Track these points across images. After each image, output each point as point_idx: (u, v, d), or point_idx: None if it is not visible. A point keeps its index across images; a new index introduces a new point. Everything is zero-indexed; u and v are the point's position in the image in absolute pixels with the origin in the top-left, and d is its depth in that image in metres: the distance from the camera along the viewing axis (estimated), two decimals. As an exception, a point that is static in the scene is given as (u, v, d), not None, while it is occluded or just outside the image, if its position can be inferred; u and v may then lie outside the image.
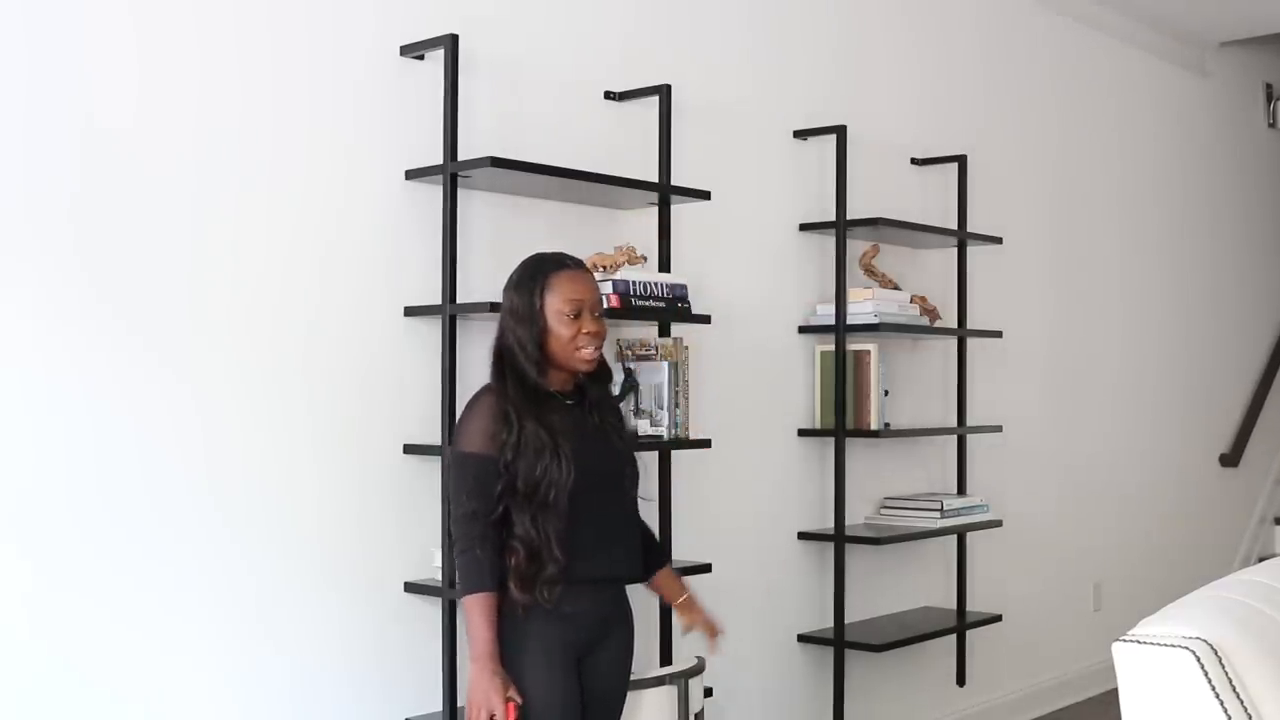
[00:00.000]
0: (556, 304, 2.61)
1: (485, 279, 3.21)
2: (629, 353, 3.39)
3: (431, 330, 3.10)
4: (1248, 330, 6.90)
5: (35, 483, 2.52)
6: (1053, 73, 5.37)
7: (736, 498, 3.90)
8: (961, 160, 4.57)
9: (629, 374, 3.33)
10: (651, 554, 2.89)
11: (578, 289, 2.64)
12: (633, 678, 2.83)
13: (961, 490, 4.59)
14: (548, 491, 2.54)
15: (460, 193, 3.11)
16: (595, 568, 2.62)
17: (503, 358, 2.64)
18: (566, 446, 2.57)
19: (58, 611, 2.54)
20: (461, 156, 3.07)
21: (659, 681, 2.87)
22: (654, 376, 3.33)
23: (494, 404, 2.60)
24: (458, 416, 2.70)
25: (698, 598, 2.94)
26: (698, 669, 2.98)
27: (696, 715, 2.97)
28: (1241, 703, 1.79)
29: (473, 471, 2.57)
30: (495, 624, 2.54)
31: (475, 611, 2.54)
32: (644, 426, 3.35)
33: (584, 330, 2.62)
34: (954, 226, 4.57)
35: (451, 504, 2.62)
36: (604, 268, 3.22)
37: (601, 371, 2.75)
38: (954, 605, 4.60)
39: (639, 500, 2.81)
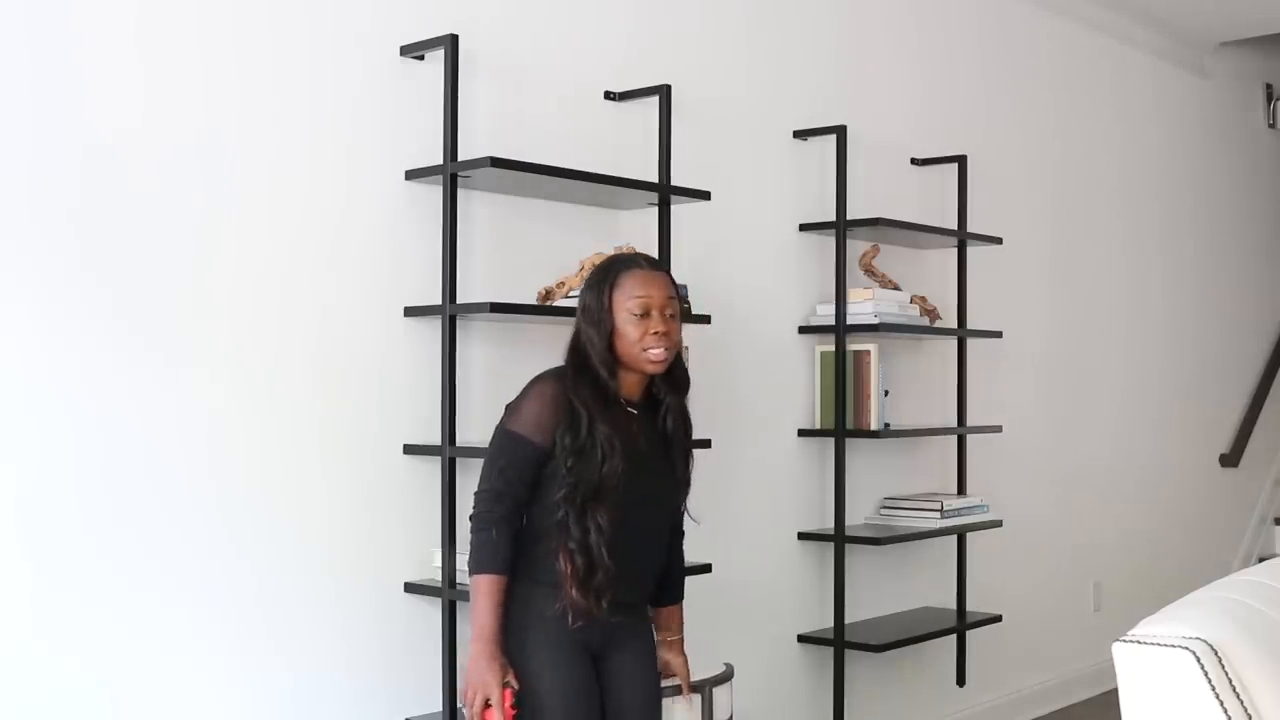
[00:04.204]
0: (624, 302, 2.58)
1: (485, 279, 3.21)
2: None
3: (431, 330, 3.10)
4: (1248, 330, 6.90)
5: (36, 485, 2.52)
6: (1053, 73, 5.37)
7: (736, 498, 3.90)
8: (961, 160, 4.57)
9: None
10: (669, 589, 2.87)
11: (646, 288, 2.60)
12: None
13: (961, 490, 4.59)
14: (606, 497, 2.52)
15: (460, 193, 3.11)
16: (617, 590, 2.58)
17: (578, 353, 2.61)
18: (620, 459, 2.54)
19: (60, 610, 2.54)
20: (461, 156, 3.07)
21: (679, 690, 2.85)
22: (654, 376, 3.32)
23: (558, 395, 2.56)
24: (519, 397, 2.62)
25: (683, 645, 2.92)
26: (725, 676, 2.96)
27: (723, 723, 2.94)
28: (1241, 703, 1.79)
29: (512, 452, 2.55)
30: (500, 607, 2.51)
31: (481, 592, 2.51)
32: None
33: (652, 330, 2.57)
34: (954, 226, 4.57)
35: (482, 477, 2.59)
36: (604, 268, 3.22)
37: (681, 378, 2.70)
38: (954, 605, 4.60)
39: (685, 522, 2.82)
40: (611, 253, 3.26)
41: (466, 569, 2.57)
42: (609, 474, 2.52)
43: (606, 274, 2.63)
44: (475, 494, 2.58)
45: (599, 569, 2.52)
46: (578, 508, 2.51)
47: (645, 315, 2.58)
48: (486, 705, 2.48)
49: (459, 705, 2.55)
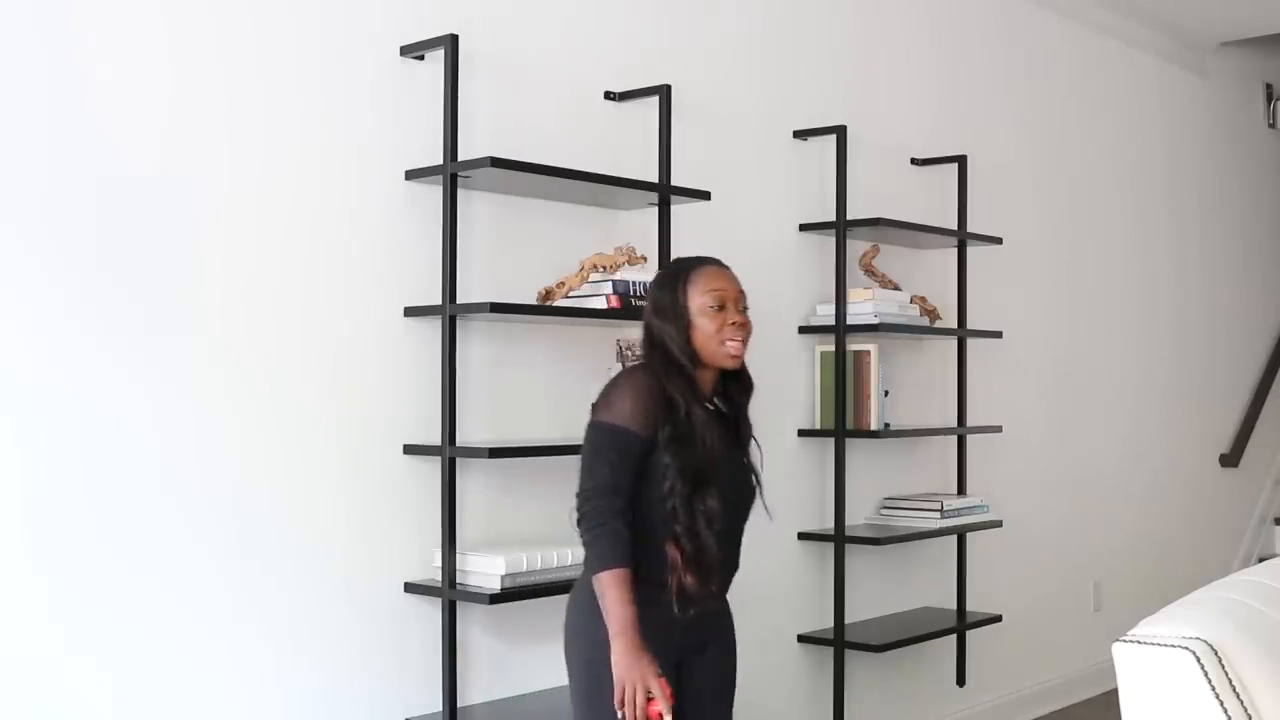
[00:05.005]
0: (699, 297, 2.58)
1: (485, 279, 3.21)
2: (629, 353, 3.39)
3: (431, 330, 3.10)
4: (1248, 330, 6.91)
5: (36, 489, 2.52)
6: (1052, 73, 5.37)
7: (736, 498, 3.89)
8: (961, 160, 4.57)
9: (629, 374, 3.32)
10: None
11: (719, 282, 2.60)
12: None
13: (961, 490, 4.59)
14: (711, 479, 2.51)
15: (460, 193, 3.11)
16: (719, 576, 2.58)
17: (659, 349, 2.59)
18: (717, 444, 2.55)
19: (60, 611, 2.54)
20: (461, 156, 3.07)
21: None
22: (654, 376, 3.31)
23: (652, 386, 2.53)
24: (607, 393, 2.56)
25: None
26: None
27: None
28: (1241, 703, 1.79)
29: (617, 445, 2.50)
30: (634, 600, 2.45)
31: (614, 587, 2.44)
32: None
33: (729, 322, 2.57)
34: (954, 226, 4.57)
35: (585, 475, 2.51)
36: (604, 268, 3.22)
37: (749, 380, 2.70)
38: (954, 605, 4.60)
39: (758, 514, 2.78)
40: (611, 253, 3.27)
41: (588, 569, 2.51)
42: (710, 457, 2.52)
43: (678, 271, 2.63)
44: (580, 494, 2.51)
45: (706, 552, 2.51)
46: (684, 496, 2.49)
47: (721, 308, 2.58)
48: (648, 698, 2.41)
49: (616, 709, 2.44)
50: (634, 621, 2.43)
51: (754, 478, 2.70)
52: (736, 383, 2.69)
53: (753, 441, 2.73)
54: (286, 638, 2.87)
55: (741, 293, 2.64)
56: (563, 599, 3.13)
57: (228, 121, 2.79)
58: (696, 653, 2.63)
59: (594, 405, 2.58)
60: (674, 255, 3.50)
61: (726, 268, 2.67)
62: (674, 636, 2.55)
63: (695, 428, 2.52)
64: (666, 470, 2.50)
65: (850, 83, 4.36)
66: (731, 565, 2.66)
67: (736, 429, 2.70)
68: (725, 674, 2.71)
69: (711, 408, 2.64)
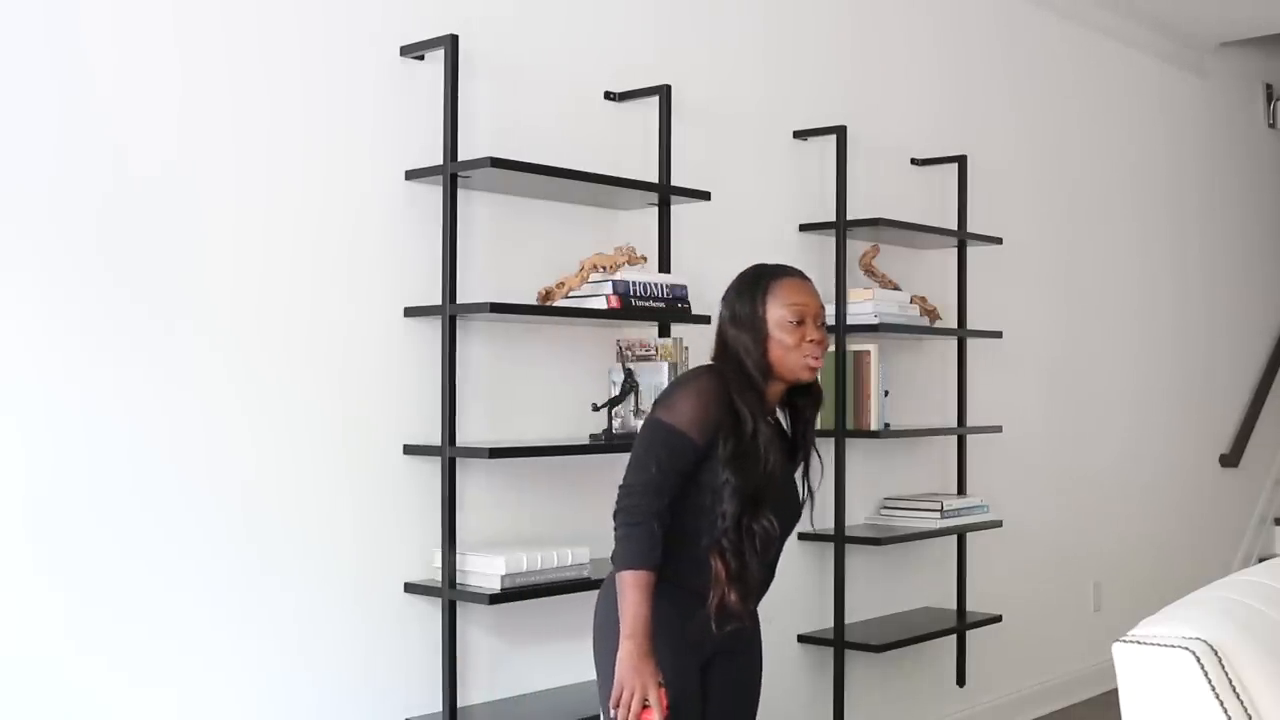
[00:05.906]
0: (778, 310, 2.53)
1: (485, 279, 3.21)
2: (629, 353, 3.39)
3: (431, 330, 3.10)
4: (1248, 330, 6.91)
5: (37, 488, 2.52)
6: (1052, 73, 5.37)
7: (736, 498, 3.88)
8: (961, 160, 4.57)
9: (629, 374, 3.33)
10: None
11: (801, 296, 2.55)
12: None
13: (961, 490, 4.59)
14: (766, 499, 2.49)
15: (460, 193, 3.11)
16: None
17: (732, 359, 2.54)
18: (778, 465, 2.53)
19: (62, 611, 2.54)
20: (461, 156, 3.07)
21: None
22: (654, 377, 3.32)
23: (720, 394, 2.49)
24: (671, 391, 2.54)
25: None
26: None
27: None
28: (1241, 703, 1.79)
29: (670, 447, 2.46)
30: (652, 602, 2.43)
31: (635, 587, 2.42)
32: (644, 426, 3.34)
33: (808, 338, 2.53)
34: (954, 226, 4.57)
35: (632, 470, 2.48)
36: (604, 268, 3.22)
37: (818, 392, 2.67)
38: (954, 605, 4.60)
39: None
40: (611, 253, 3.27)
41: (612, 562, 2.50)
42: (771, 477, 2.49)
43: (758, 281, 2.58)
44: (624, 486, 2.48)
45: (749, 573, 2.49)
46: (735, 516, 2.46)
47: (800, 323, 2.53)
48: (644, 705, 2.39)
49: (609, 709, 2.44)
50: (647, 626, 2.41)
51: (802, 495, 2.67)
52: (807, 396, 2.65)
53: (814, 454, 2.69)
54: (288, 637, 2.87)
55: (822, 308, 2.60)
56: (562, 599, 3.15)
57: (230, 122, 2.79)
58: (725, 656, 2.62)
59: (656, 400, 2.56)
60: (673, 255, 3.51)
61: (808, 280, 2.62)
62: (704, 642, 2.54)
63: (760, 447, 2.48)
64: (723, 487, 2.47)
65: (850, 83, 4.36)
66: (768, 582, 2.64)
67: (793, 444, 2.66)
68: (751, 680, 2.70)
69: (773, 422, 2.61)
